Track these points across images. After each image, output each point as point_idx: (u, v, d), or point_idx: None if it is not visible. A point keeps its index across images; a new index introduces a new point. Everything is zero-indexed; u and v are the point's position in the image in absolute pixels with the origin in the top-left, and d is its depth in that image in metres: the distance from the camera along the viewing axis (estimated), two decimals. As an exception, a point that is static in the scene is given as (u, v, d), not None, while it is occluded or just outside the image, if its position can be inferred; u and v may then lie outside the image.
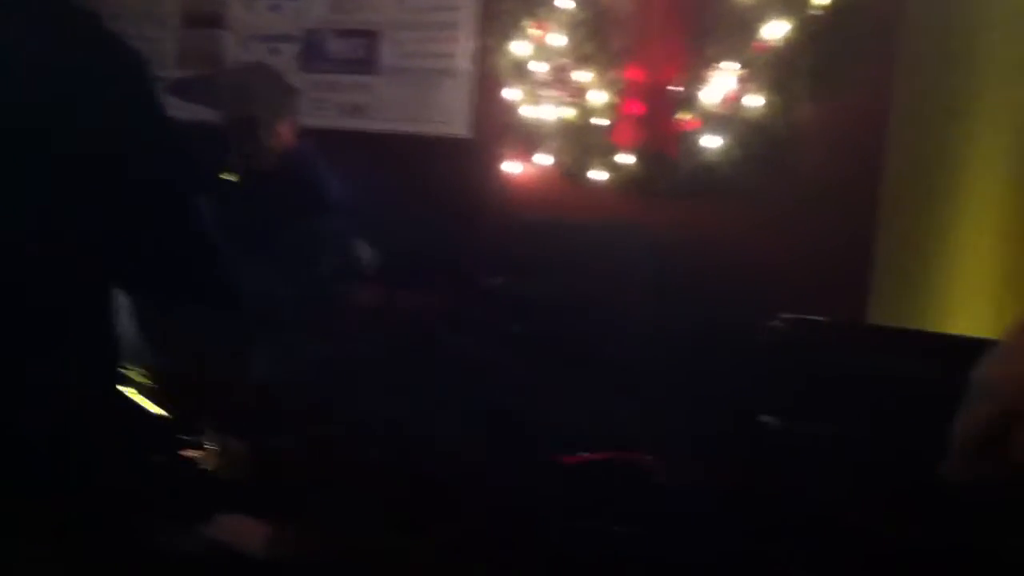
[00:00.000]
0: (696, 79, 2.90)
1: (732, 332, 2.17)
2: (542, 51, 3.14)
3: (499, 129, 3.24)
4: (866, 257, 2.72)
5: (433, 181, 3.25)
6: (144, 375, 1.74)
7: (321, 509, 1.68)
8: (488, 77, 3.25)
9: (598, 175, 3.05)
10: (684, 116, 2.92)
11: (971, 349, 1.19)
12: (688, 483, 2.16)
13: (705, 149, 2.88)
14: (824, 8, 2.76)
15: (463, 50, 3.32)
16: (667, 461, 2.23)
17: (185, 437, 1.65)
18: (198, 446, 1.67)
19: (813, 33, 2.78)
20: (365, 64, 3.50)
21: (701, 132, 2.89)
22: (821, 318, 1.56)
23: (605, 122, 3.05)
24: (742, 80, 2.85)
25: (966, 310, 3.44)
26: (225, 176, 2.69)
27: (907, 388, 1.29)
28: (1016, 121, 3.59)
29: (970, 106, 3.25)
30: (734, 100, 2.85)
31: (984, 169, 3.43)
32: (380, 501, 1.73)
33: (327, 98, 3.50)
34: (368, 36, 3.49)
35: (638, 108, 3.00)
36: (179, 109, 3.15)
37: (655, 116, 2.97)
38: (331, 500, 1.71)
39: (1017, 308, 3.94)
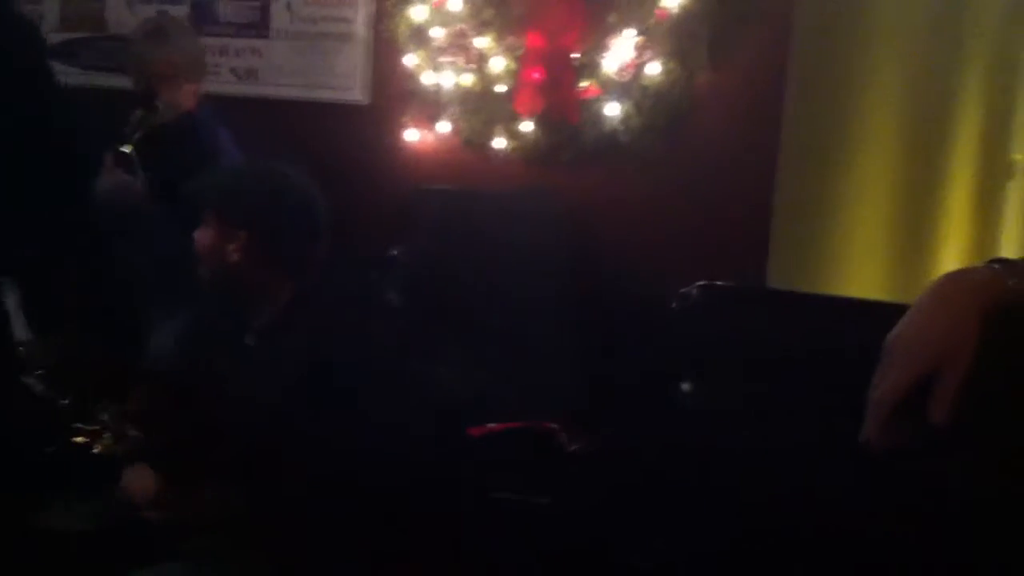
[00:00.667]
0: (597, 46, 2.90)
1: (642, 299, 2.18)
2: (441, 16, 3.10)
3: (397, 96, 3.19)
4: (765, 223, 2.76)
5: (330, 148, 3.19)
6: (36, 360, 1.67)
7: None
8: (386, 42, 3.20)
9: (500, 142, 3.03)
10: (585, 83, 2.92)
11: (886, 313, 1.21)
12: (600, 451, 2.18)
13: (607, 117, 2.88)
14: (722, -24, 2.77)
15: (359, 14, 3.26)
16: (577, 430, 2.25)
17: (80, 424, 1.58)
18: (93, 432, 1.61)
19: (712, 2, 2.79)
20: (258, 28, 3.41)
21: (602, 100, 2.89)
22: (736, 284, 1.57)
23: (505, 89, 3.03)
24: (642, 47, 2.86)
25: (858, 274, 3.54)
26: (121, 144, 2.58)
27: (824, 352, 1.30)
28: (906, 91, 3.70)
29: (863, 77, 3.33)
30: (634, 68, 2.86)
31: (876, 138, 3.52)
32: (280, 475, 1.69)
33: (219, 63, 3.40)
34: (259, -1, 3.40)
35: (539, 75, 2.98)
36: (66, 74, 3.03)
37: (556, 83, 2.96)
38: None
39: (904, 272, 4.08)
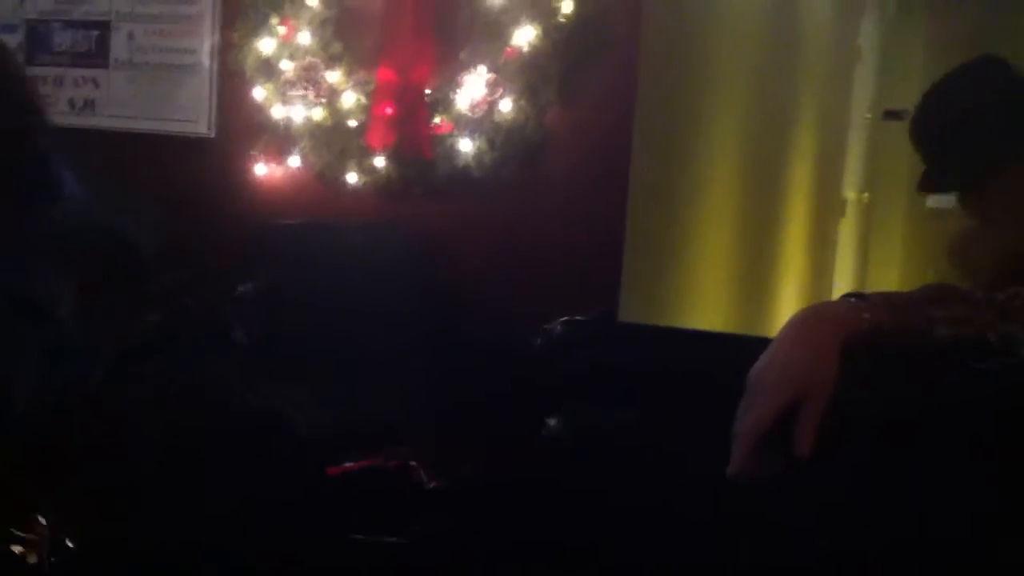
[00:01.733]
0: (449, 82, 2.91)
1: (499, 334, 2.18)
2: (290, 49, 3.06)
3: (245, 129, 3.13)
4: (617, 256, 2.81)
5: (175, 181, 3.10)
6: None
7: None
8: (233, 75, 3.13)
9: (352, 177, 3.00)
10: (438, 119, 2.92)
11: (750, 346, 1.24)
12: (464, 487, 2.16)
13: (460, 152, 2.89)
14: (569, 16, 2.82)
15: (204, 45, 3.19)
16: (437, 466, 2.23)
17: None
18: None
19: (560, 40, 2.84)
20: (95, 57, 3.30)
21: (455, 135, 2.90)
22: (600, 319, 1.58)
23: (357, 123, 3.01)
24: (494, 84, 2.88)
25: (706, 308, 3.64)
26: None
27: (688, 385, 1.32)
28: (748, 127, 3.84)
29: (707, 116, 3.44)
30: (487, 104, 2.87)
31: (720, 174, 3.64)
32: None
33: (54, 93, 3.27)
34: (98, 27, 3.29)
35: (391, 110, 2.97)
36: None
37: (408, 118, 2.95)
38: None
39: (748, 305, 4.21)
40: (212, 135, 3.19)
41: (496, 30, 2.86)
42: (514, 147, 2.86)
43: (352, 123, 3.01)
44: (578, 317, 1.47)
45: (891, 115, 7.27)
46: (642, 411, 1.32)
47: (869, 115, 6.85)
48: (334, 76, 3.02)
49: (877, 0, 6.70)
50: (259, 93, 3.08)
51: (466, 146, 2.89)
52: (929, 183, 1.90)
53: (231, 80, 3.14)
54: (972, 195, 1.87)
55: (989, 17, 6.34)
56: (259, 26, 3.07)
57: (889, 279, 7.66)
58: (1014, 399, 1.19)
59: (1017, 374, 1.18)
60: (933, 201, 8.02)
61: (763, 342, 1.20)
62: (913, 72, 7.39)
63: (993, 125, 1.77)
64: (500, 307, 2.81)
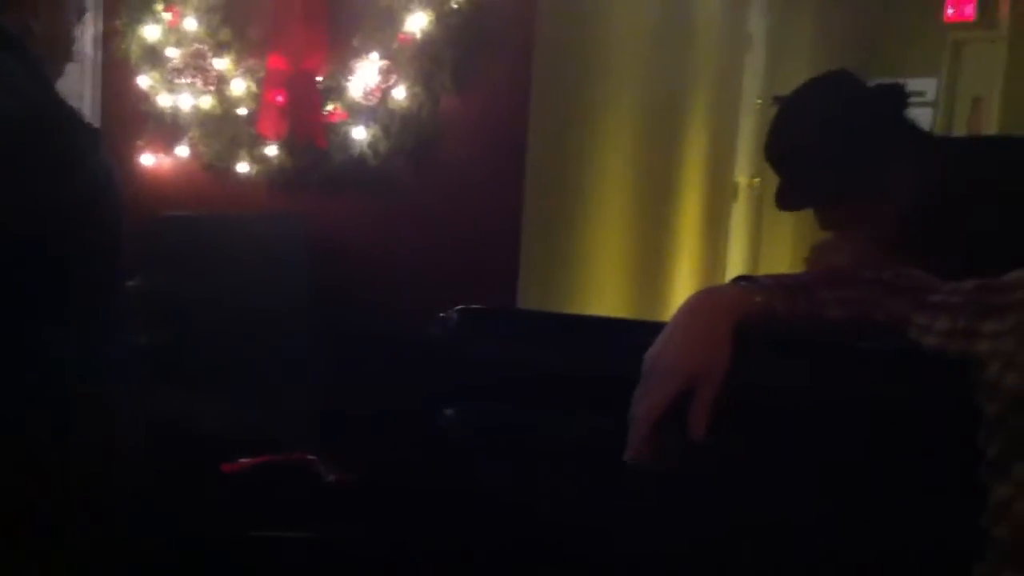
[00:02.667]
0: (342, 70, 2.87)
1: (397, 324, 2.16)
2: (176, 36, 2.98)
3: (130, 118, 3.04)
4: (514, 244, 2.81)
5: (57, 174, 3.00)
6: None
7: None
8: (116, 63, 3.04)
9: (243, 166, 2.94)
10: (331, 107, 2.87)
11: (648, 331, 1.25)
12: (363, 481, 2.13)
13: (354, 140, 2.85)
14: (462, 3, 2.80)
15: (86, 33, 3.07)
16: (335, 461, 2.20)
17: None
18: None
19: (453, 26, 2.81)
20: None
21: (349, 123, 2.86)
22: (496, 307, 1.57)
23: (247, 112, 2.95)
24: (387, 71, 2.85)
25: (603, 293, 3.66)
26: None
27: (586, 372, 1.32)
28: (643, 114, 3.87)
29: (602, 103, 3.46)
30: (380, 91, 2.84)
31: (615, 161, 3.66)
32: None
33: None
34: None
35: (282, 98, 2.91)
36: None
37: (300, 106, 2.90)
38: None
39: (645, 289, 4.25)
40: (96, 125, 3.08)
41: (389, 16, 2.82)
42: (409, 135, 2.83)
43: (242, 111, 2.95)
44: (476, 305, 1.46)
45: (780, 101, 7.44)
46: (541, 398, 1.32)
47: (759, 101, 6.99)
48: (223, 63, 2.95)
49: (765, -12, 6.83)
50: (144, 81, 3.00)
51: (360, 134, 2.85)
52: (782, 199, 1.92)
53: (115, 68, 3.05)
54: (825, 211, 1.90)
55: (874, 5, 6.52)
56: (143, 12, 2.98)
57: (780, 261, 7.84)
58: (901, 379, 1.22)
59: (905, 354, 1.20)
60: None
61: (660, 327, 1.21)
62: (801, 59, 7.57)
63: (841, 141, 1.79)
64: (397, 297, 2.79)
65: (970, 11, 7.58)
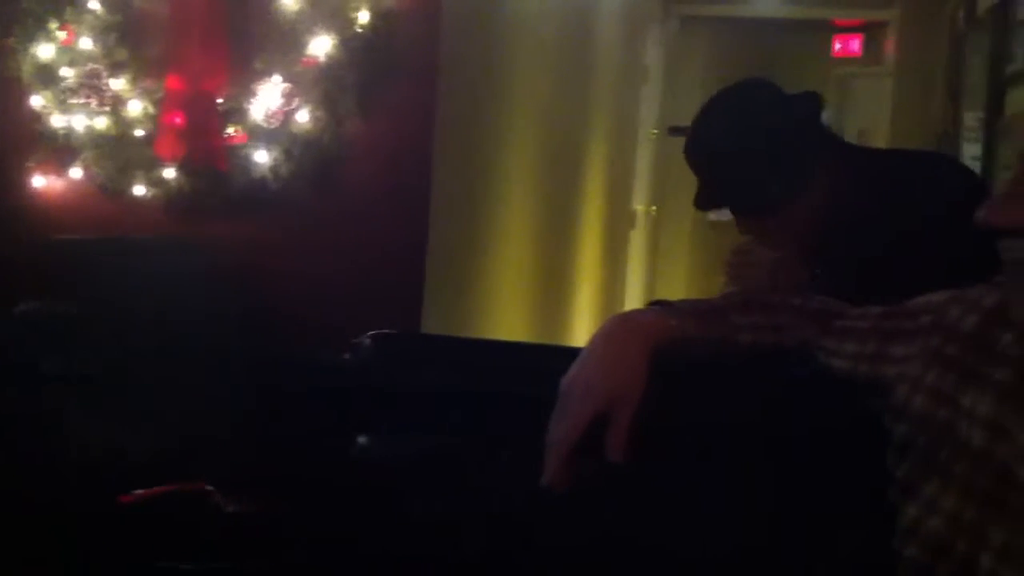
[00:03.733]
0: (243, 92, 2.82)
1: (303, 350, 2.12)
2: (70, 55, 2.89)
3: (23, 139, 2.94)
4: (420, 269, 2.79)
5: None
6: None
7: None
8: (7, 81, 2.94)
9: (140, 189, 2.86)
10: (231, 129, 2.83)
11: (555, 355, 1.25)
12: (263, 511, 2.08)
13: (255, 163, 2.80)
14: (366, 27, 2.79)
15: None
16: (236, 491, 2.14)
17: None
18: None
19: (357, 50, 2.80)
20: None
21: (250, 146, 2.81)
22: (409, 332, 1.56)
23: (144, 133, 2.88)
24: (290, 94, 2.81)
25: (507, 318, 3.67)
26: None
27: (497, 396, 1.32)
28: (545, 142, 3.90)
29: (506, 131, 3.48)
30: (283, 114, 2.81)
31: (519, 188, 3.68)
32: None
33: None
34: None
35: (180, 119, 2.85)
36: None
37: (199, 128, 2.85)
38: None
39: (548, 314, 4.28)
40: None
41: (292, 39, 2.79)
42: (312, 159, 2.80)
43: (139, 133, 2.88)
44: (385, 331, 1.44)
45: (675, 131, 7.58)
46: (451, 424, 1.31)
47: (655, 131, 7.12)
48: (119, 83, 2.88)
49: (660, 22, 6.98)
50: (37, 101, 2.91)
51: (262, 157, 2.81)
52: (700, 201, 1.96)
53: (5, 87, 2.95)
54: (743, 214, 1.94)
55: (765, 37, 6.70)
56: (36, 30, 2.89)
57: (676, 286, 7.99)
58: (811, 402, 1.24)
59: (814, 378, 1.23)
60: (715, 214, 8.40)
61: (571, 351, 1.21)
62: (695, 91, 7.73)
63: (758, 145, 1.83)
64: (302, 323, 2.74)
65: (856, 47, 7.86)
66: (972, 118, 4.06)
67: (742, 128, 1.85)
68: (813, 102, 1.89)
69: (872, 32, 7.57)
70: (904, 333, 1.17)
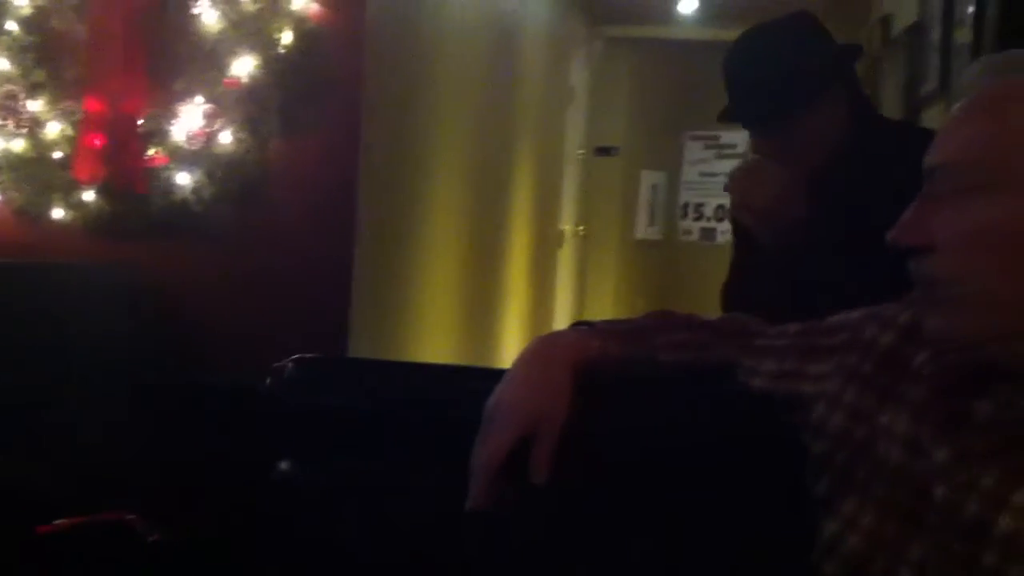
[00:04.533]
0: (164, 113, 2.79)
1: (228, 376, 2.10)
2: (-14, 76, 2.84)
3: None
4: (346, 293, 2.77)
5: None
6: None
7: None
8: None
9: (58, 213, 2.81)
10: (152, 151, 2.79)
11: (482, 377, 1.25)
12: (186, 540, 2.05)
13: (177, 186, 2.76)
14: (289, 47, 2.77)
15: None
16: (161, 518, 2.11)
17: None
18: None
19: (280, 71, 2.78)
20: None
21: (172, 168, 2.77)
22: (332, 356, 1.54)
23: (63, 156, 2.83)
24: (212, 116, 2.78)
25: (435, 341, 3.66)
26: None
27: (423, 420, 1.31)
28: (472, 163, 3.91)
29: (433, 153, 3.48)
30: (205, 136, 2.77)
31: (446, 211, 3.68)
32: None
33: None
34: None
35: (100, 141, 2.81)
36: None
37: (119, 150, 2.80)
38: None
39: (481, 333, 4.27)
40: None
41: (214, 59, 2.76)
42: (235, 181, 2.77)
43: (57, 155, 2.83)
44: (309, 355, 1.43)
45: (601, 152, 7.66)
46: (377, 448, 1.30)
47: (582, 152, 7.18)
48: (37, 105, 2.83)
49: (585, 43, 7.04)
50: (-51, 123, 2.84)
51: (183, 179, 2.77)
52: (727, 113, 2.00)
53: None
54: (762, 135, 1.97)
55: (689, 58, 6.79)
56: (-51, 52, 2.83)
57: (604, 305, 8.03)
58: (731, 420, 1.26)
59: (734, 396, 1.24)
60: (641, 233, 8.52)
61: (496, 372, 1.21)
62: (620, 111, 7.81)
63: (795, 73, 1.86)
64: (225, 348, 2.70)
65: (777, 68, 8.00)
66: (889, 138, 4.15)
67: (783, 54, 1.90)
68: (853, 52, 2.00)
69: (792, 54, 7.71)
70: (821, 350, 1.18)
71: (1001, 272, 0.94)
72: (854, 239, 1.66)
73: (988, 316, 0.96)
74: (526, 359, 1.22)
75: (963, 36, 3.02)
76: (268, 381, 1.41)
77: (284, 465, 1.35)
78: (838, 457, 1.10)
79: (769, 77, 1.88)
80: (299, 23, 2.75)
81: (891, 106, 4.21)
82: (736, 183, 1.97)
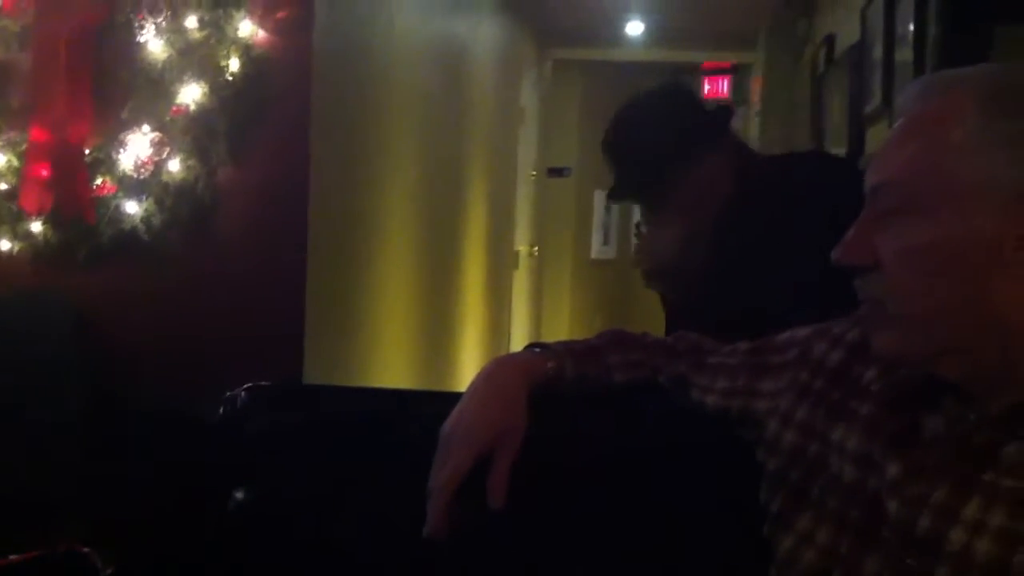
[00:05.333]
0: (111, 141, 2.76)
1: (180, 406, 2.07)
2: (-72, 106, 2.80)
3: None
4: (299, 320, 2.75)
5: None
6: None
7: None
8: None
9: (5, 244, 2.77)
10: (100, 180, 2.76)
11: (438, 401, 1.25)
12: (143, 571, 2.02)
13: (126, 214, 2.74)
14: (236, 75, 2.76)
15: None
16: (114, 551, 2.07)
17: None
18: None
19: (228, 98, 2.76)
20: None
21: (120, 197, 2.74)
22: (287, 383, 1.53)
23: (8, 187, 2.79)
24: (160, 143, 2.76)
25: (391, 366, 3.64)
26: None
27: (380, 444, 1.31)
28: (424, 186, 3.91)
29: (383, 176, 3.48)
30: (153, 164, 2.75)
31: (399, 234, 3.67)
32: None
33: None
34: None
35: (46, 171, 2.77)
36: None
37: (66, 180, 2.77)
38: None
39: (432, 358, 4.26)
40: None
41: (161, 87, 2.74)
42: (185, 208, 2.74)
43: (3, 186, 2.79)
44: (261, 383, 1.42)
45: (554, 172, 7.70)
46: (334, 474, 1.29)
47: (534, 173, 7.21)
48: (-20, 135, 2.79)
49: (536, 65, 7.08)
50: None
51: (132, 208, 2.74)
52: (615, 193, 2.04)
53: None
54: (652, 208, 2.01)
55: (637, 80, 6.85)
56: None
57: (560, 325, 8.05)
58: (682, 438, 1.26)
59: (687, 414, 1.25)
60: (595, 252, 8.56)
61: (452, 396, 1.21)
62: (570, 132, 7.86)
63: (673, 143, 1.91)
64: (178, 378, 2.67)
65: (724, 88, 8.12)
66: (835, 155, 4.21)
67: (659, 126, 1.96)
68: (726, 111, 2.05)
69: (739, 74, 7.83)
70: (773, 368, 1.19)
71: (940, 289, 0.95)
72: (766, 269, 1.74)
73: (932, 332, 0.97)
74: (481, 381, 1.22)
75: (904, 55, 3.07)
76: (221, 410, 1.40)
77: (239, 494, 1.34)
78: (792, 474, 1.11)
79: (646, 151, 1.95)
80: (245, 50, 2.74)
81: (836, 124, 4.27)
82: (639, 248, 2.05)
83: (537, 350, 1.28)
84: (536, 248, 7.42)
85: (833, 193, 1.76)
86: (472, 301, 5.08)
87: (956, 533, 0.91)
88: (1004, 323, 0.93)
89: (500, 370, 1.22)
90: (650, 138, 1.94)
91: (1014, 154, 0.92)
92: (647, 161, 1.94)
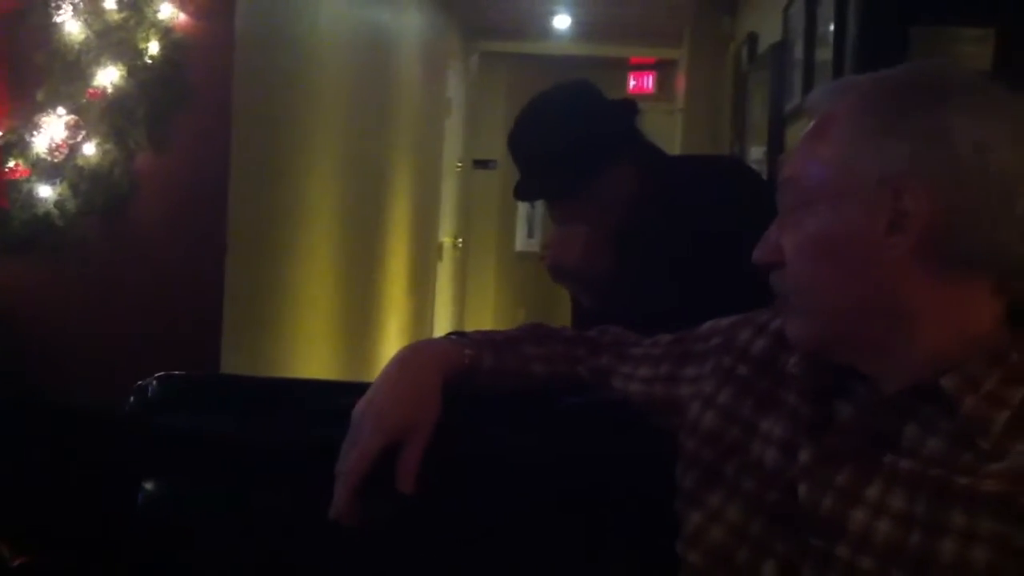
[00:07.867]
0: (25, 125, 2.69)
1: (91, 397, 2.02)
2: None
3: None
4: (217, 309, 2.71)
5: None
6: None
7: None
8: None
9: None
10: (12, 163, 2.69)
11: (357, 393, 1.23)
12: (52, 564, 1.98)
13: (39, 199, 2.67)
14: (155, 58, 2.71)
15: None
16: (21, 543, 2.03)
17: None
18: None
19: (147, 81, 2.71)
20: None
21: (33, 181, 2.68)
22: (200, 374, 1.51)
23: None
24: (75, 127, 2.70)
25: (312, 356, 3.61)
26: None
27: (296, 438, 1.29)
28: (347, 176, 3.88)
29: (305, 166, 3.44)
30: (68, 147, 2.68)
31: (321, 224, 3.64)
32: None
33: None
34: None
35: (-43, 154, 2.69)
36: None
37: (-22, 163, 2.69)
38: None
39: (355, 349, 4.23)
40: None
41: (77, 70, 2.68)
42: (101, 194, 2.69)
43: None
44: (176, 372, 1.39)
45: (480, 164, 7.69)
46: (247, 467, 1.27)
47: (460, 164, 7.19)
48: None
49: (462, 57, 7.07)
50: None
51: (46, 192, 2.68)
52: (520, 191, 2.01)
53: None
54: (557, 205, 2.00)
55: (564, 73, 6.88)
56: None
57: (484, 318, 8.05)
58: (601, 431, 1.27)
59: (607, 404, 1.26)
60: (520, 245, 8.57)
61: (368, 386, 1.20)
62: (497, 123, 7.86)
63: (577, 141, 1.89)
64: (92, 369, 2.62)
65: (649, 84, 8.18)
66: (757, 152, 4.27)
67: (563, 124, 1.92)
68: (630, 106, 2.01)
69: (664, 70, 7.90)
70: (696, 355, 1.21)
71: (829, 278, 1.00)
72: (677, 269, 1.76)
73: (827, 320, 1.02)
74: (395, 366, 1.21)
75: (824, 54, 3.12)
76: (131, 400, 1.36)
77: (148, 486, 1.31)
78: (706, 452, 1.12)
79: (552, 151, 1.90)
80: (166, 33, 2.69)
81: (758, 122, 4.33)
82: (548, 250, 2.03)
83: (455, 338, 1.27)
84: (461, 240, 7.41)
85: (742, 198, 1.78)
86: (395, 292, 5.06)
87: (858, 514, 0.95)
88: (891, 306, 0.97)
89: (415, 356, 1.21)
90: (553, 140, 1.90)
91: (877, 142, 0.97)
92: (550, 163, 1.90)
